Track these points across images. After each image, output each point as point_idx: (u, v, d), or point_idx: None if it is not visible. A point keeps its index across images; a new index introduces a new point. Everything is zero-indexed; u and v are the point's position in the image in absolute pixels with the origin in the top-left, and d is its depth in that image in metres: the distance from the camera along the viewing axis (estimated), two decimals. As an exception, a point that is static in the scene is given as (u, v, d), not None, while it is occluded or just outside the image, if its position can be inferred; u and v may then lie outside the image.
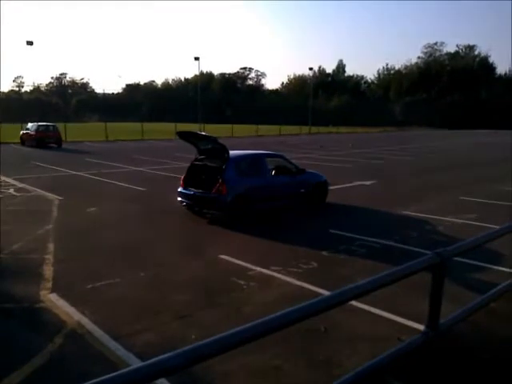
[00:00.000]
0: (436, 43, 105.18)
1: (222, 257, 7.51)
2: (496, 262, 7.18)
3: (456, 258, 6.62)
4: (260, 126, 56.87)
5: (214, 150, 10.51)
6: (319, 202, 11.82)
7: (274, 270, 6.86)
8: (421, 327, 4.74)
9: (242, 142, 38.13)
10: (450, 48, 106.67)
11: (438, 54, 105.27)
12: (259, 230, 9.39)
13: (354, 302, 4.88)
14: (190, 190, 10.39)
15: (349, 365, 4.06)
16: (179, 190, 10.67)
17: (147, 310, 5.51)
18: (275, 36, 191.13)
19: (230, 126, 54.99)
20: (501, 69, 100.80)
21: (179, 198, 10.66)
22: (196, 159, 10.92)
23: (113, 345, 4.59)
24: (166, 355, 2.01)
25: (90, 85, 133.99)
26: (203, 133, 10.76)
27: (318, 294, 5.90)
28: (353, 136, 54.07)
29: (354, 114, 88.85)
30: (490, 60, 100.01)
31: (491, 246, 6.68)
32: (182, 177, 10.79)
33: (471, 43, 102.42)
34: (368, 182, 15.85)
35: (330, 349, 4.58)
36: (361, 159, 24.61)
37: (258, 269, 6.91)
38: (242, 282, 6.34)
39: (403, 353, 2.91)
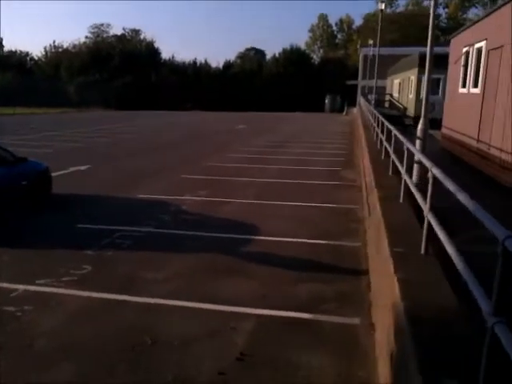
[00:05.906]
0: (102, 24, 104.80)
1: (-42, 282, 5.63)
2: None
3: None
4: None
5: None
6: (46, 194, 10.24)
7: (43, 285, 5.60)
8: (247, 310, 4.79)
9: None
10: (117, 30, 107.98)
11: (105, 35, 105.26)
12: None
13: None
14: None
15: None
16: None
17: None
18: None
19: None
20: (165, 54, 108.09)
21: None
22: None
23: None
24: None
25: None
26: None
27: (111, 301, 5.19)
28: (34, 117, 48.95)
29: (25, 94, 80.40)
30: (156, 45, 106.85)
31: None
32: None
33: (136, 27, 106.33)
34: (83, 167, 14.71)
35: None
36: (59, 143, 22.56)
37: (22, 287, 5.49)
38: (13, 309, 4.91)
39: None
